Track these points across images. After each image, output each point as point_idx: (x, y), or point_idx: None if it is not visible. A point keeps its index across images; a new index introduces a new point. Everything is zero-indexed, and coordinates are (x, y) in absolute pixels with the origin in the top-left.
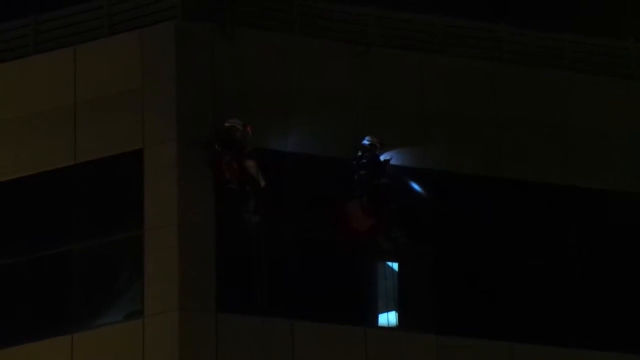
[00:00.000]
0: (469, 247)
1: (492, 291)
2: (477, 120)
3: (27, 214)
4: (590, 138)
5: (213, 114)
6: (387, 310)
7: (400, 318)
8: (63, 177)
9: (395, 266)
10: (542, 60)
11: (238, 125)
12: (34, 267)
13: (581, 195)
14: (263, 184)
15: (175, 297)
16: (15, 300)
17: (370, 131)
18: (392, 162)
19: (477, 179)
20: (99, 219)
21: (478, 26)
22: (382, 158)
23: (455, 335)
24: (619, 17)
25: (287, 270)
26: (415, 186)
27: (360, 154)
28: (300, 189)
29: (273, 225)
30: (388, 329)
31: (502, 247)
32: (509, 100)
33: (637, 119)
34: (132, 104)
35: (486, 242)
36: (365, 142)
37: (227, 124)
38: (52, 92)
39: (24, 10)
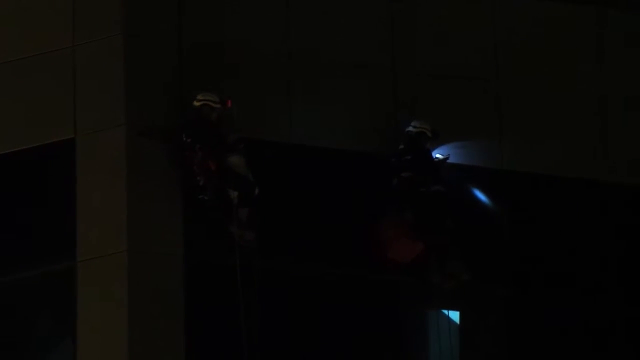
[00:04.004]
0: (563, 290)
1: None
2: (584, 93)
3: None
4: None
5: (180, 86)
6: None
7: None
8: None
9: (455, 315)
10: None
11: (213, 102)
12: None
13: None
14: (257, 190)
15: None
16: None
17: (416, 113)
18: (450, 160)
19: (578, 184)
20: (8, 245)
21: None
22: (436, 154)
23: None
24: None
25: (292, 323)
26: (486, 196)
27: (402, 147)
28: (309, 200)
29: (270, 258)
30: None
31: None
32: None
33: None
34: (58, 72)
35: (588, 282)
36: (410, 129)
37: (196, 102)
38: None
39: None
